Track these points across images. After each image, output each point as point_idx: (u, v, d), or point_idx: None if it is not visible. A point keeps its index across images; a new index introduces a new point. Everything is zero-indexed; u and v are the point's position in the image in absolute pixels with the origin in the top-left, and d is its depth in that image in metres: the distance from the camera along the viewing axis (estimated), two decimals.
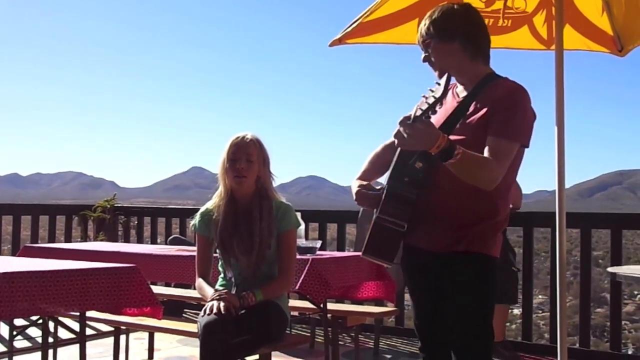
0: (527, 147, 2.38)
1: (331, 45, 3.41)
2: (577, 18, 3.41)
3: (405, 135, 2.12)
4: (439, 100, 2.03)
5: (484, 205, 2.36)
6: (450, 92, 2.51)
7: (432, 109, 2.08)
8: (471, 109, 2.36)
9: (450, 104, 2.47)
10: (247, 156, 3.01)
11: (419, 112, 2.08)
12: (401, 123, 2.13)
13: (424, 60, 2.51)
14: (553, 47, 3.32)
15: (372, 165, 2.65)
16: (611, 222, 5.00)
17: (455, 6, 2.53)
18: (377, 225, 2.41)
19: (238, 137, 3.05)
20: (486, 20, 3.39)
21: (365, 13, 3.24)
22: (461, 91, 2.49)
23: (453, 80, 2.48)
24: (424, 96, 2.07)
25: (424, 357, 2.59)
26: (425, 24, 2.47)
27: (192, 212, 3.24)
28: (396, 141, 2.16)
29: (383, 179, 2.65)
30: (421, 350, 2.60)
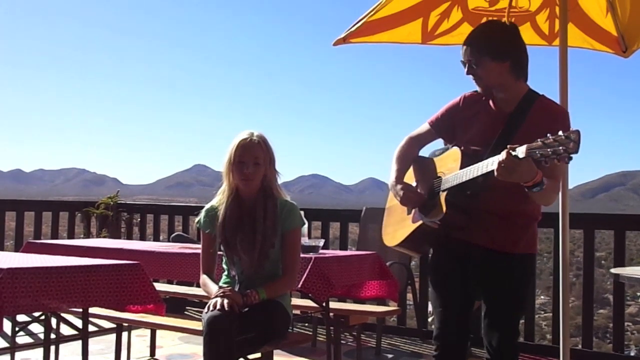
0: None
1: (335, 44, 3.41)
2: (581, 18, 3.41)
3: (510, 169, 2.20)
4: (569, 155, 2.06)
5: (534, 206, 2.57)
6: (490, 102, 2.62)
7: (555, 159, 2.08)
8: (524, 127, 2.47)
9: (493, 114, 2.58)
10: (254, 159, 2.99)
11: (536, 155, 2.11)
12: (508, 157, 2.19)
13: (469, 73, 2.60)
14: (555, 42, 3.32)
15: (402, 163, 2.79)
16: (614, 223, 4.99)
17: (507, 25, 2.68)
18: (426, 226, 2.57)
19: (245, 139, 3.01)
20: (490, 19, 3.40)
21: (370, 12, 3.23)
22: (503, 105, 2.58)
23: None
24: (542, 141, 2.09)
25: (439, 345, 2.68)
26: (476, 41, 2.56)
27: (194, 210, 3.24)
28: (496, 172, 2.23)
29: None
30: (436, 339, 2.69)
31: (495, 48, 2.52)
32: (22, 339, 4.57)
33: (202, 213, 3.15)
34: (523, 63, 2.58)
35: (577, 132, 2.05)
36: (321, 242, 4.04)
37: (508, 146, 2.21)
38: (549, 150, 2.07)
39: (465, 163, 2.46)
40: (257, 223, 2.99)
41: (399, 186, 2.69)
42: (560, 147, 2.05)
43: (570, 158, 2.07)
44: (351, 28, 3.31)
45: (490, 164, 2.28)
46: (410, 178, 2.76)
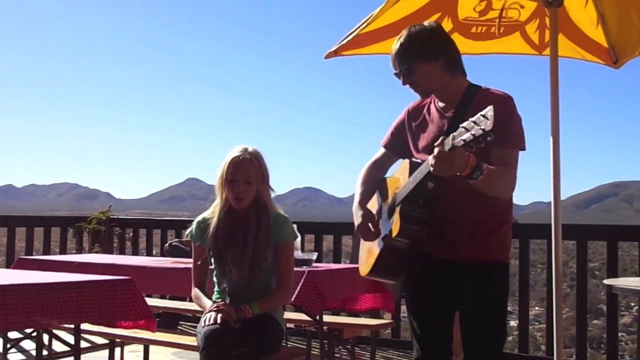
0: (525, 150, 2.45)
1: (327, 57, 3.43)
2: (572, 29, 3.43)
3: (443, 162, 2.13)
4: (489, 134, 2.00)
5: (498, 211, 2.48)
6: (432, 107, 2.56)
7: (478, 142, 2.03)
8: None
9: (437, 120, 2.51)
10: (245, 178, 2.96)
11: (459, 142, 2.05)
12: (439, 152, 2.12)
13: (405, 83, 2.53)
14: (545, 52, 3.33)
15: (367, 186, 2.71)
16: (607, 234, 5.00)
17: (427, 26, 2.54)
18: (390, 246, 2.46)
19: (237, 156, 2.98)
20: (479, 28, 3.43)
21: (361, 25, 3.24)
22: (445, 107, 2.51)
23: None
24: (462, 126, 2.04)
25: None
26: (402, 49, 2.47)
27: (187, 224, 3.23)
28: (432, 168, 2.16)
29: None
30: None
31: (423, 50, 2.45)
32: (13, 356, 4.53)
33: (194, 225, 3.13)
34: (455, 58, 2.50)
35: (491, 108, 1.99)
36: (314, 255, 4.03)
37: (435, 143, 2.15)
38: (470, 134, 2.02)
39: (412, 172, 2.38)
40: (249, 236, 2.98)
41: (360, 212, 2.60)
42: (479, 128, 1.99)
43: (490, 136, 1.98)
44: (343, 41, 3.32)
45: (428, 165, 2.20)
46: (373, 204, 2.67)
